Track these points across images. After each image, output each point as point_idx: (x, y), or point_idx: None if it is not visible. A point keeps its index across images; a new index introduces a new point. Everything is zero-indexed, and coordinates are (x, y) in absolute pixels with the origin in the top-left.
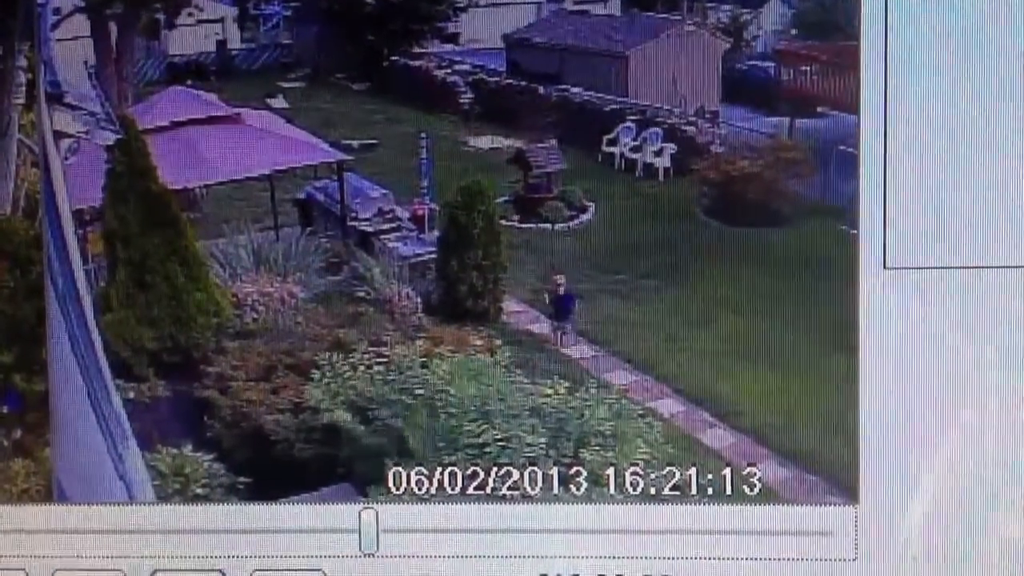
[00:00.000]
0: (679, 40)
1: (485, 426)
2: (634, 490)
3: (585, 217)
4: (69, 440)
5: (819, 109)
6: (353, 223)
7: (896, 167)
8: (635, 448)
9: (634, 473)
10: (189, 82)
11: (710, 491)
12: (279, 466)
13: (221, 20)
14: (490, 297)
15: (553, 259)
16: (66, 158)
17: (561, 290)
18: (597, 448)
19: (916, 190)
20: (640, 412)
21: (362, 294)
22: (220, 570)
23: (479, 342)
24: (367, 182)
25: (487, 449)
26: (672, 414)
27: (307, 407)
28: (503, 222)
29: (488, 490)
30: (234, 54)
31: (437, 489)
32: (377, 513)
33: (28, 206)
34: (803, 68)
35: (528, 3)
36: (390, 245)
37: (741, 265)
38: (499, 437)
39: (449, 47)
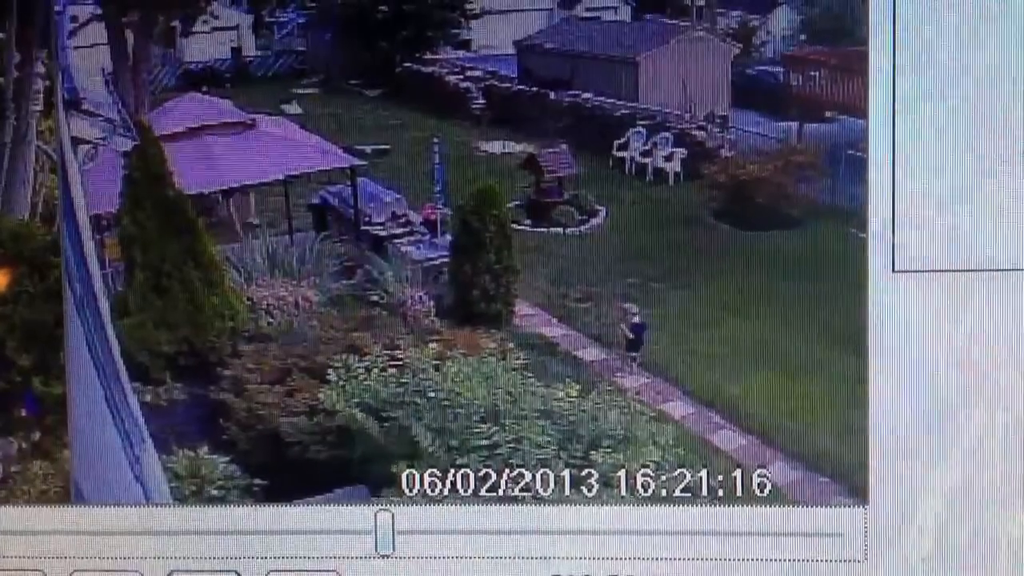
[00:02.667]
0: (689, 46)
1: (497, 428)
2: (645, 492)
3: (596, 221)
4: (87, 442)
5: (828, 114)
6: (366, 227)
7: (904, 171)
8: (646, 450)
9: (645, 475)
10: (204, 89)
11: (720, 492)
12: (294, 468)
13: (236, 27)
14: (502, 300)
15: (565, 263)
16: (84, 164)
17: (636, 319)
18: (608, 450)
19: (924, 194)
20: (651, 414)
21: (375, 298)
22: (235, 571)
23: (491, 345)
24: (380, 187)
25: (499, 451)
26: (683, 416)
27: (322, 409)
28: (515, 226)
29: (500, 492)
30: (249, 61)
31: (450, 491)
32: (393, 515)
33: (46, 211)
34: (811, 73)
35: (540, 10)
36: (403, 249)
37: (751, 268)
38: (511, 439)
39: (461, 53)
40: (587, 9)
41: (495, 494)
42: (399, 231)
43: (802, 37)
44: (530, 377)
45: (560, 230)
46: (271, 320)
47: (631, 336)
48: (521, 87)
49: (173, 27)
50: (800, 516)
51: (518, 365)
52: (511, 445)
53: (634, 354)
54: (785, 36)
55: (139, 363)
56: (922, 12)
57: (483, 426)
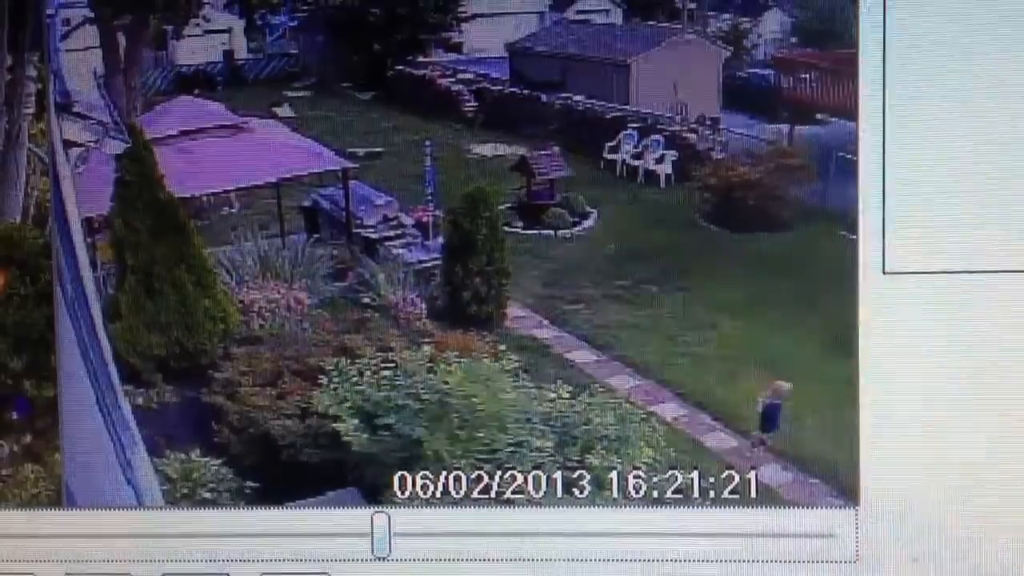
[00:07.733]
0: (680, 49)
1: (490, 430)
2: (637, 493)
3: (587, 223)
4: (78, 446)
5: (818, 116)
6: (358, 230)
7: (895, 173)
8: (638, 452)
9: (637, 476)
10: (196, 92)
11: (712, 494)
12: (286, 471)
13: (228, 30)
14: (494, 303)
15: (556, 265)
16: (75, 167)
17: (779, 398)
18: (601, 452)
19: (915, 195)
20: (643, 416)
21: (367, 300)
22: (227, 573)
23: (484, 347)
24: (372, 189)
25: (493, 453)
26: (674, 418)
27: (314, 412)
28: (507, 228)
29: (492, 494)
30: (241, 64)
31: (442, 493)
32: (390, 517)
33: (38, 214)
34: (802, 76)
35: (531, 13)
36: (395, 251)
37: (742, 270)
38: (505, 441)
39: (453, 56)
40: (578, 12)
41: (487, 496)
42: (391, 233)
43: (793, 40)
44: (523, 379)
45: (552, 232)
46: (263, 323)
47: (764, 414)
48: (513, 89)
49: (165, 30)
50: (791, 517)
51: (511, 367)
52: (502, 448)
53: (769, 435)
54: (776, 39)
55: (131, 366)
56: (913, 14)
57: (476, 429)
